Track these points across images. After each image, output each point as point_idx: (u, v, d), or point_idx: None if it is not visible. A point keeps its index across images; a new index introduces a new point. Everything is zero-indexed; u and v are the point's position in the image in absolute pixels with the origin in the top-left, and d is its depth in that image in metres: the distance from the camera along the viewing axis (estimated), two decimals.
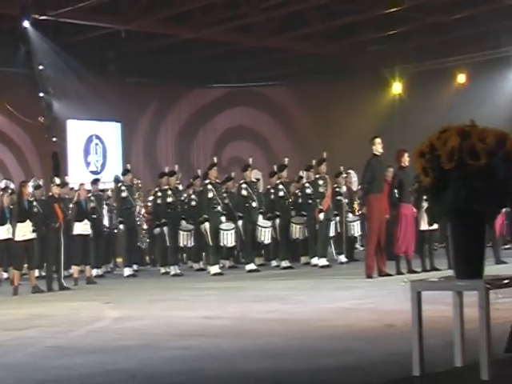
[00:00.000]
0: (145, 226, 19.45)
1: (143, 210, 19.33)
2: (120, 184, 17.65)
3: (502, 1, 23.33)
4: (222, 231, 16.30)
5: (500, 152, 4.63)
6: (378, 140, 13.78)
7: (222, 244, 16.41)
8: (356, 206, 19.10)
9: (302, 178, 18.12)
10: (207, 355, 6.32)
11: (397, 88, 28.96)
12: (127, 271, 16.91)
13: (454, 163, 4.64)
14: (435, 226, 13.62)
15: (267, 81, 29.09)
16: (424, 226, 13.82)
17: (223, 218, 16.50)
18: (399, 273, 13.58)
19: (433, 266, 14.18)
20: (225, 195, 17.11)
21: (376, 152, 13.70)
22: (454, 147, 4.65)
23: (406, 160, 13.73)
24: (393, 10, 23.18)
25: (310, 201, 16.92)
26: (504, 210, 13.24)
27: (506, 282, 4.83)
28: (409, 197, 13.71)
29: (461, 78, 27.77)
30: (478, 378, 4.63)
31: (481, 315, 4.63)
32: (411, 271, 13.71)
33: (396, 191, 13.89)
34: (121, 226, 17.23)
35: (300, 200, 17.44)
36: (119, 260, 18.87)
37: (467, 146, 4.64)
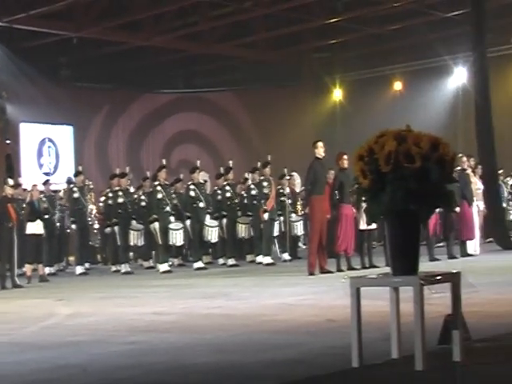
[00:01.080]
0: (96, 226, 19.30)
1: (95, 210, 19.16)
2: (72, 185, 17.50)
3: (435, 13, 23.66)
4: (170, 230, 16.26)
5: (433, 156, 4.69)
6: (320, 144, 13.84)
7: (170, 243, 16.38)
8: (299, 206, 19.18)
9: (247, 179, 18.15)
10: (156, 350, 6.29)
11: (337, 95, 29.17)
12: (79, 269, 16.74)
13: (391, 166, 4.69)
14: (374, 226, 13.74)
15: (214, 87, 29.09)
16: (363, 226, 13.92)
17: (172, 218, 16.46)
18: (339, 270, 13.66)
19: (371, 263, 14.30)
20: (173, 196, 17.07)
21: (318, 155, 13.76)
22: (390, 151, 4.70)
23: (345, 162, 13.82)
24: (334, 20, 23.38)
25: (255, 201, 16.97)
26: (437, 210, 13.41)
27: (438, 278, 4.90)
28: (349, 198, 13.78)
29: (397, 86, 28.09)
30: (412, 369, 4.69)
31: (415, 310, 4.68)
32: (351, 268, 13.82)
33: (336, 192, 13.98)
34: (73, 226, 17.11)
35: (245, 201, 17.46)
36: (71, 258, 18.68)
37: (403, 150, 4.69)
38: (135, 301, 10.50)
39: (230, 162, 17.94)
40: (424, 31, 25.29)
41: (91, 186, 19.20)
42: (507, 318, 6.92)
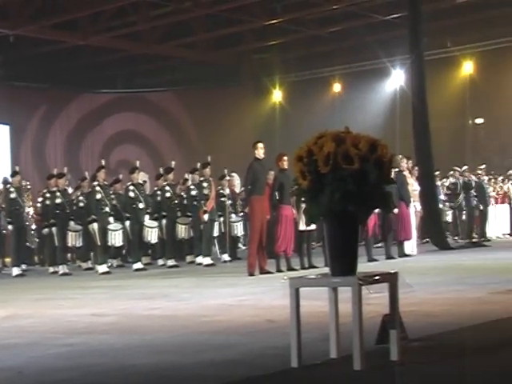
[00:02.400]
0: (33, 227, 19.10)
1: (32, 211, 18.95)
2: (8, 185, 17.22)
3: (374, 16, 23.93)
4: (109, 231, 16.14)
5: (371, 157, 4.74)
6: (259, 145, 13.87)
7: (109, 244, 16.26)
8: (239, 207, 19.23)
9: (187, 180, 18.13)
10: (94, 351, 6.24)
11: (277, 96, 29.31)
12: (16, 271, 16.47)
13: (330, 167, 4.73)
14: (313, 227, 13.86)
15: (154, 87, 28.97)
16: (302, 227, 14.03)
17: (111, 219, 16.34)
18: (279, 270, 13.71)
19: (310, 263, 14.40)
20: (112, 196, 16.93)
21: (258, 156, 13.80)
22: (329, 152, 4.74)
23: (284, 163, 13.87)
24: (274, 21, 23.48)
25: (195, 202, 16.95)
26: (377, 211, 13.57)
27: (376, 278, 4.95)
28: (288, 198, 13.86)
29: (336, 88, 28.35)
30: (351, 368, 4.73)
31: (354, 310, 4.73)
32: (290, 269, 13.88)
33: (276, 193, 14.03)
34: (9, 227, 16.85)
35: (185, 201, 17.45)
36: (8, 260, 18.39)
37: (342, 151, 4.73)
38: (73, 302, 10.39)
39: (173, 163, 17.91)
40: (363, 33, 25.57)
41: (28, 187, 18.97)
42: (443, 318, 7.04)
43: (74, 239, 16.80)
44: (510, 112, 25.63)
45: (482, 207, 21.65)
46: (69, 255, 18.35)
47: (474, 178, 21.78)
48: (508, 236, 23.18)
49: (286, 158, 13.79)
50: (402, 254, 16.17)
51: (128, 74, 28.65)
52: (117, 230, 16.23)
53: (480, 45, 25.61)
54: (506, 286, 9.45)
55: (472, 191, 21.62)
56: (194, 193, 17.05)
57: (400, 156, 16.54)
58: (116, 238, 16.21)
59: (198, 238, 16.98)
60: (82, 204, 17.18)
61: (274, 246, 14.10)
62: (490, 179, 23.31)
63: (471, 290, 9.31)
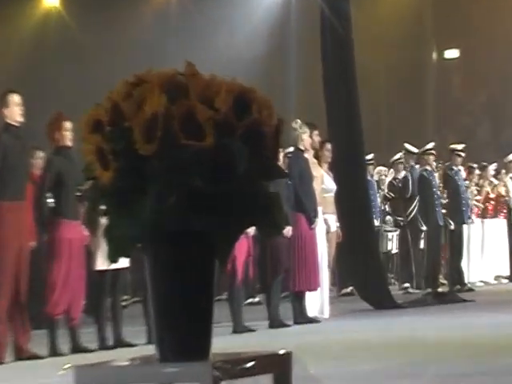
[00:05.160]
0: None
1: None
2: None
3: None
4: None
5: (240, 124, 4.79)
6: (14, 98, 13.76)
7: None
8: None
9: None
10: None
11: None
12: None
13: (157, 144, 4.75)
14: (124, 263, 13.84)
15: None
16: (102, 264, 14.02)
17: None
18: (55, 352, 13.75)
19: (119, 337, 14.46)
20: None
21: (10, 120, 13.66)
22: (156, 114, 4.75)
23: (66, 135, 13.85)
24: None
25: None
26: (251, 232, 13.55)
27: (250, 365, 4.98)
28: (74, 207, 13.88)
29: None
30: None
31: None
32: (78, 348, 13.95)
33: (51, 195, 14.02)
34: None
35: None
36: None
37: (181, 113, 4.76)
38: None
39: None
40: None
41: None
42: None
43: None
44: None
45: (453, 225, 22.21)
46: None
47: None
48: (506, 280, 23.92)
49: (68, 124, 13.80)
50: (302, 318, 16.45)
51: None
52: None
53: None
54: (497, 379, 9.76)
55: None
56: None
57: (298, 122, 16.79)
58: None
59: None
60: None
61: (45, 304, 14.09)
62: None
63: None
